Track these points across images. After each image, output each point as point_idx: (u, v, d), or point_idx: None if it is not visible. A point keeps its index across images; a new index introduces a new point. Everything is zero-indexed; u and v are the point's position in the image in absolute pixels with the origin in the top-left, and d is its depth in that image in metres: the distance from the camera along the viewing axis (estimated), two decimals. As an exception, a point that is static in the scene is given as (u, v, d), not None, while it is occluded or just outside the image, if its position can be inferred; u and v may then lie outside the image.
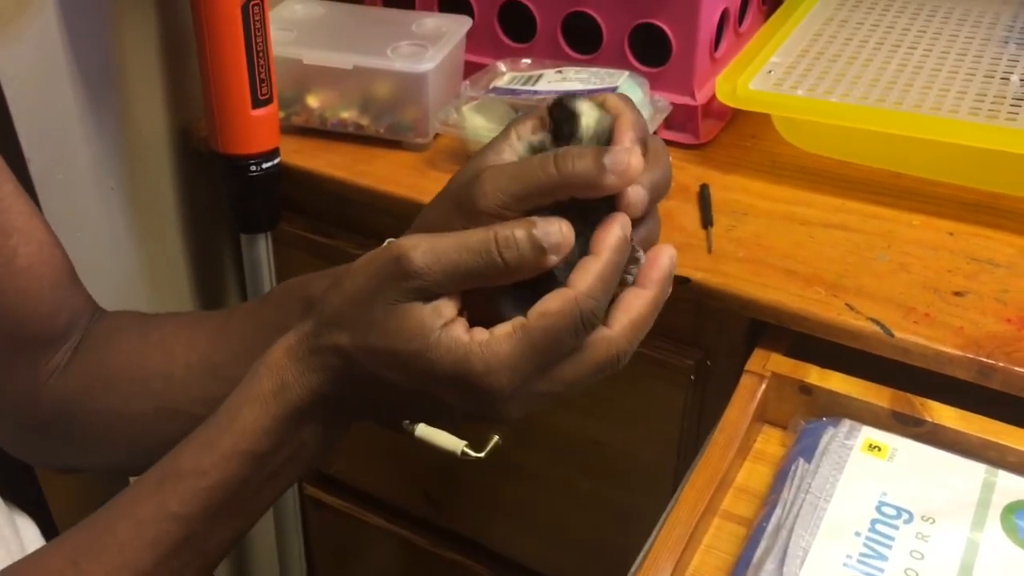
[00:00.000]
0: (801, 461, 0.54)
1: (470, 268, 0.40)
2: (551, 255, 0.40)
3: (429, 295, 0.41)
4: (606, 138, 0.44)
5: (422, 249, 0.40)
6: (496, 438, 0.84)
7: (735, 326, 0.68)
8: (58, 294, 0.57)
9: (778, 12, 0.84)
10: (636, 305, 0.43)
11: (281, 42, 0.78)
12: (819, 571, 0.48)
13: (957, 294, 0.62)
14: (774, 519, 0.51)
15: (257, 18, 0.72)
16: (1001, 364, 0.56)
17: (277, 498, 0.48)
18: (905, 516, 0.50)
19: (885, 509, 0.51)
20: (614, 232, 0.41)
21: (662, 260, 0.44)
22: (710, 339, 0.70)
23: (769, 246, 0.67)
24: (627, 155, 0.41)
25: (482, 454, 0.84)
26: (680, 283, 0.65)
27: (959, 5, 0.84)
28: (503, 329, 0.40)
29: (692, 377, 0.71)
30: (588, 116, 0.45)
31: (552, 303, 0.40)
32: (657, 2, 0.75)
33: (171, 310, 0.86)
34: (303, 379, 0.44)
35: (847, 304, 0.61)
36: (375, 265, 0.41)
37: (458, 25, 0.80)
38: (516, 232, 0.40)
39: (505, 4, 0.82)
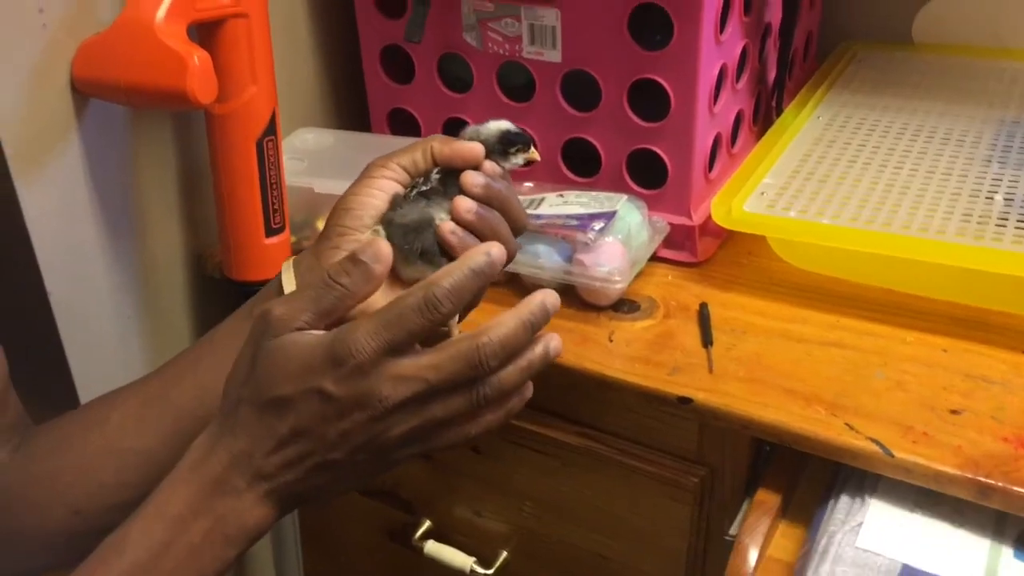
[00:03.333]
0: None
1: (320, 298, 0.49)
2: (377, 266, 0.49)
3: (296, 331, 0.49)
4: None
5: (279, 301, 0.50)
6: (505, 554, 0.85)
7: (738, 443, 0.70)
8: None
9: (769, 133, 0.87)
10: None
11: (293, 171, 0.81)
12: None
13: (953, 412, 0.63)
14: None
15: (271, 152, 0.75)
16: (1000, 484, 0.57)
17: None
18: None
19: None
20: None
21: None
22: (714, 456, 0.71)
23: (769, 365, 0.68)
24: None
25: (491, 571, 0.84)
26: (683, 403, 0.66)
27: (942, 125, 0.88)
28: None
29: (697, 494, 0.72)
30: None
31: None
32: (653, 129, 0.79)
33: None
34: (220, 443, 0.49)
35: (847, 424, 0.62)
36: (250, 330, 0.50)
37: (462, 152, 0.84)
38: (342, 261, 0.50)
39: (507, 130, 0.85)
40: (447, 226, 0.54)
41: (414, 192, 0.56)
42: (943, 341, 0.70)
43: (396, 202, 0.56)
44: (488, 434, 0.50)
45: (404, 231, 0.55)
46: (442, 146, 0.56)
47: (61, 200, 0.72)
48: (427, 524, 0.87)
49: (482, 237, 0.55)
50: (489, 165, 0.57)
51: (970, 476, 0.58)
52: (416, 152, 0.57)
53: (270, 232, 0.77)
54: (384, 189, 0.56)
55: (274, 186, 0.76)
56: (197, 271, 0.86)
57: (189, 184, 0.83)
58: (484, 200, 0.55)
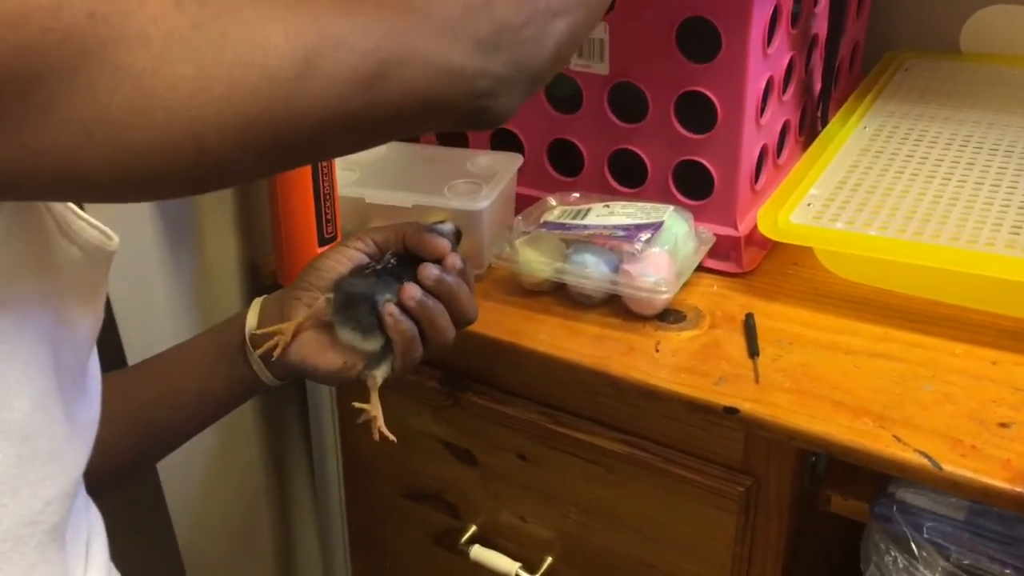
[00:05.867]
0: None
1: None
2: None
3: None
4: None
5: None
6: (549, 559, 0.86)
7: (784, 453, 0.70)
8: None
9: (815, 144, 0.87)
10: None
11: (345, 182, 0.83)
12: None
13: (1002, 425, 0.63)
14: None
15: (325, 164, 0.77)
16: (1049, 498, 0.57)
17: None
18: None
19: None
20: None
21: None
22: (759, 466, 0.72)
23: (816, 376, 0.69)
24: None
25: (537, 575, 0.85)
26: (729, 413, 0.67)
27: (991, 135, 0.87)
28: None
29: (743, 503, 0.72)
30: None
31: None
32: (699, 141, 0.79)
33: (233, 436, 0.90)
34: None
35: (895, 436, 0.63)
36: None
37: (510, 162, 0.85)
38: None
39: (554, 141, 0.87)
40: (389, 307, 0.60)
41: (371, 268, 0.62)
42: (992, 353, 0.70)
43: (354, 271, 0.62)
44: None
45: (345, 299, 0.61)
46: (413, 234, 0.63)
47: (121, 211, 0.74)
48: (473, 529, 0.89)
49: (419, 324, 0.61)
50: (451, 259, 0.62)
51: (1019, 490, 0.58)
52: (390, 232, 0.64)
53: (323, 241, 0.79)
54: (351, 258, 0.63)
55: (327, 197, 0.78)
56: (252, 278, 0.88)
57: (245, 195, 0.85)
58: (433, 292, 0.61)
